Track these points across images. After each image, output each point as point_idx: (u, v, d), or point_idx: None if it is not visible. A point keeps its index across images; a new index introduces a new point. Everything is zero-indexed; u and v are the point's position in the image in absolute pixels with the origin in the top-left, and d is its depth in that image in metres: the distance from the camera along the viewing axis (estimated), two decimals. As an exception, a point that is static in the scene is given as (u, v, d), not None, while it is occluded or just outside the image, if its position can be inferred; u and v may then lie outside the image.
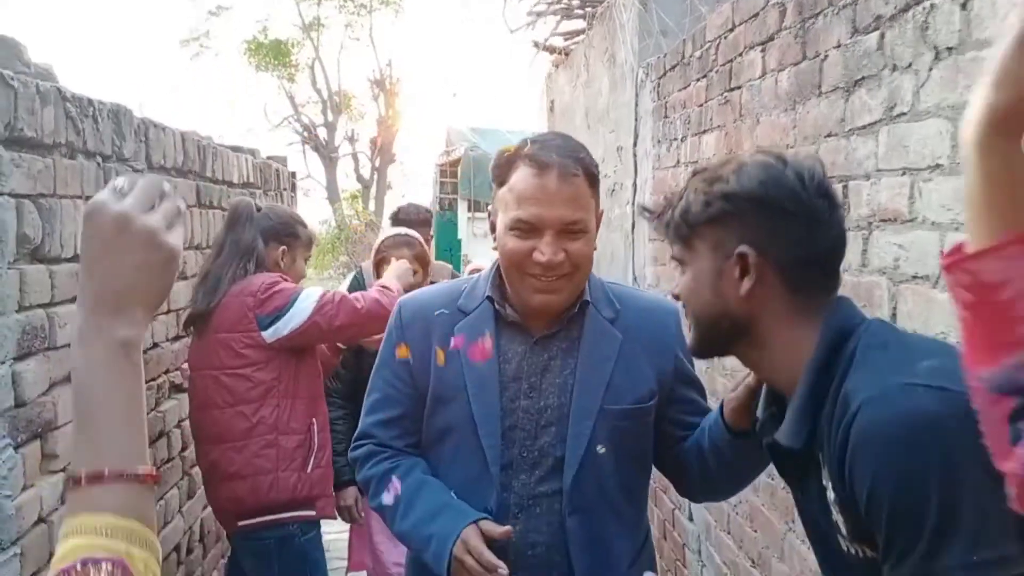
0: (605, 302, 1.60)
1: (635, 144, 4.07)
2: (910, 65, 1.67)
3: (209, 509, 3.30)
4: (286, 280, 2.45)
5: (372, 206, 19.28)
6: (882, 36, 1.79)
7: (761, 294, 1.11)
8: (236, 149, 4.01)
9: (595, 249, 1.56)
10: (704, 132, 3.04)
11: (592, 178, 1.51)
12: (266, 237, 2.48)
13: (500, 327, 1.57)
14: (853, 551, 1.05)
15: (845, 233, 1.15)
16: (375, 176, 20.08)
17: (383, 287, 2.58)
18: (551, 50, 5.66)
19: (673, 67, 3.43)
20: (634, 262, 4.14)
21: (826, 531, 1.11)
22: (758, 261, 1.10)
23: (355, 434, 1.67)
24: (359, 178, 20.30)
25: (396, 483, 1.57)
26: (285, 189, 4.86)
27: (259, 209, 2.57)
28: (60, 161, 2.07)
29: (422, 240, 3.12)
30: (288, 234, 2.56)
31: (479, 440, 1.53)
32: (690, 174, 1.21)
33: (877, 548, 1.00)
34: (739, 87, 2.67)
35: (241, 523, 2.39)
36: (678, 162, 3.37)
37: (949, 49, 1.55)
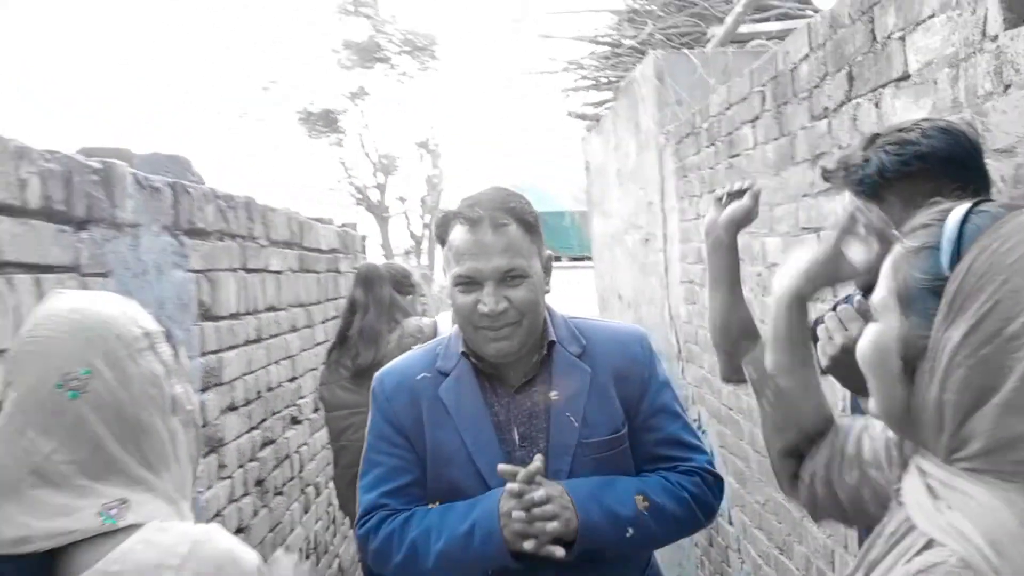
0: (570, 338, 1.60)
1: (662, 200, 4.67)
2: (847, 145, 2.26)
3: (320, 523, 3.93)
4: (421, 319, 3.12)
5: (425, 260, 20.18)
6: (829, 123, 2.38)
7: None
8: (319, 220, 4.72)
9: (546, 291, 1.58)
10: (715, 190, 3.63)
11: (527, 225, 1.52)
12: (396, 290, 3.14)
13: (481, 381, 1.57)
14: None
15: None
16: (426, 232, 21.02)
17: None
18: (583, 117, 6.33)
19: (687, 135, 4.05)
20: (669, 302, 4.71)
21: None
22: None
23: (360, 511, 1.58)
24: (411, 235, 21.28)
25: (420, 519, 1.51)
26: (359, 251, 5.57)
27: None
28: (216, 244, 2.76)
29: None
30: (409, 284, 3.22)
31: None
32: (867, 139, 1.39)
33: None
34: (738, 154, 3.27)
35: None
36: (698, 215, 3.96)
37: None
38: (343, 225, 5.57)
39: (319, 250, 4.28)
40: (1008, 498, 0.71)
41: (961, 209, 0.79)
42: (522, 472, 1.42)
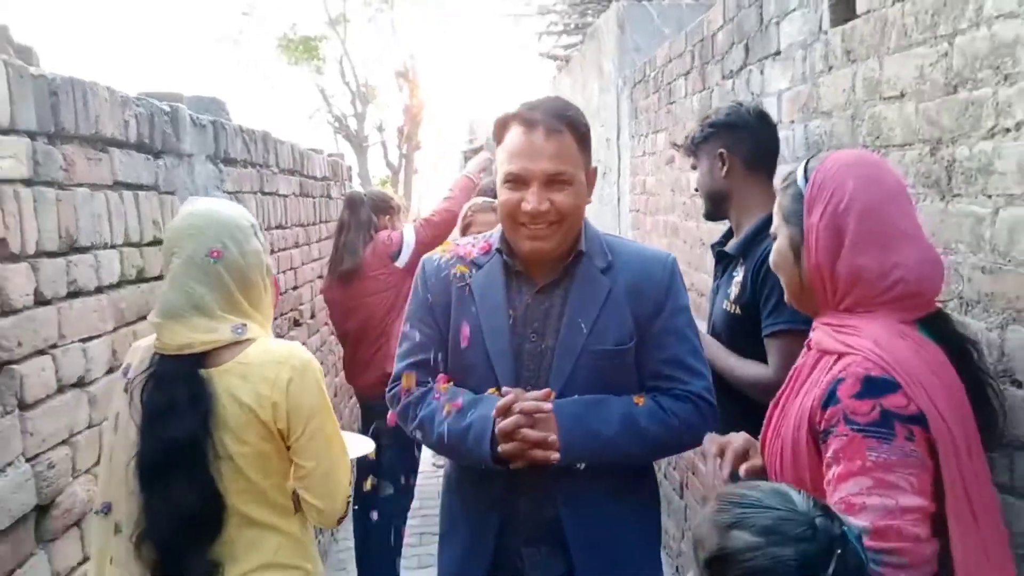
0: (599, 252, 1.69)
1: (618, 137, 5.29)
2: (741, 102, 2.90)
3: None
4: (392, 231, 3.78)
5: (401, 190, 20.63)
6: (733, 83, 3.02)
7: (731, 174, 2.09)
8: (314, 151, 5.30)
9: (588, 202, 1.67)
10: (657, 132, 4.26)
11: (579, 135, 1.61)
12: (376, 212, 3.78)
13: (509, 277, 1.70)
14: (729, 309, 2.04)
15: (777, 139, 2.16)
16: (403, 162, 21.41)
17: (449, 190, 3.90)
18: (555, 58, 6.86)
19: (639, 81, 4.65)
20: (619, 229, 5.38)
21: (720, 299, 2.11)
22: (728, 156, 2.09)
23: (393, 375, 1.81)
24: (388, 164, 21.65)
25: (434, 395, 1.71)
26: (346, 180, 6.15)
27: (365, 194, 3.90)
28: (241, 170, 3.36)
29: None
30: (389, 207, 3.86)
31: (496, 378, 1.65)
32: (701, 118, 2.20)
33: (747, 307, 1.95)
34: (674, 102, 3.89)
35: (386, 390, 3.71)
36: (644, 152, 4.60)
37: (755, 95, 2.77)
38: (331, 155, 6.14)
39: (315, 177, 4.87)
40: (875, 319, 1.22)
41: (803, 162, 1.44)
42: (508, 397, 1.60)
